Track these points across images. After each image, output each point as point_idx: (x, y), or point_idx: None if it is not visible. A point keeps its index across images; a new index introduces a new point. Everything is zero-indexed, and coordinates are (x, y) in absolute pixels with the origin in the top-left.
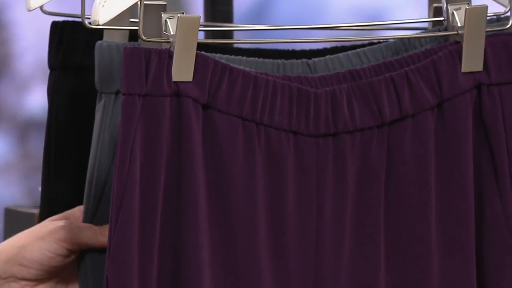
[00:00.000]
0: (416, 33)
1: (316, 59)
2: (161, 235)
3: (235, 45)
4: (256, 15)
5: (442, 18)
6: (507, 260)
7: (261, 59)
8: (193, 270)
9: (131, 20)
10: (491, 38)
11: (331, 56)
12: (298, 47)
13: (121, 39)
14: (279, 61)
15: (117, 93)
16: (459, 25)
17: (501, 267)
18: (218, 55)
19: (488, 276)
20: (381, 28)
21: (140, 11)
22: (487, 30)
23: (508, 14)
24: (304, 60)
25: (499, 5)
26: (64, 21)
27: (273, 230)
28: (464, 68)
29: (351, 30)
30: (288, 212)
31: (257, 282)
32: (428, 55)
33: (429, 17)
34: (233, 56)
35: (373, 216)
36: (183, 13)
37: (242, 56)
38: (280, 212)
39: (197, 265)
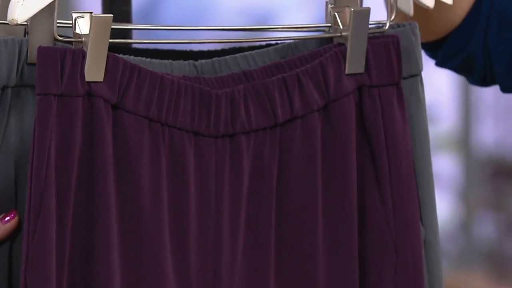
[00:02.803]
0: (304, 35)
1: (203, 61)
2: (72, 236)
3: (133, 46)
4: (146, 15)
5: (328, 25)
6: (386, 260)
7: (148, 59)
8: (103, 270)
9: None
10: (372, 40)
11: (219, 58)
12: (196, 47)
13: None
14: (166, 61)
15: (3, 88)
16: (341, 27)
17: (381, 267)
18: (120, 55)
19: (369, 276)
20: (275, 30)
21: (55, 10)
22: (369, 32)
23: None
24: (191, 61)
25: (382, 12)
26: None
27: (176, 230)
28: (348, 70)
29: (245, 32)
30: (189, 212)
31: (161, 283)
32: (315, 57)
33: (326, 19)
34: (120, 55)
35: (264, 217)
36: (91, 13)
37: (139, 56)
38: (183, 213)
39: (108, 266)
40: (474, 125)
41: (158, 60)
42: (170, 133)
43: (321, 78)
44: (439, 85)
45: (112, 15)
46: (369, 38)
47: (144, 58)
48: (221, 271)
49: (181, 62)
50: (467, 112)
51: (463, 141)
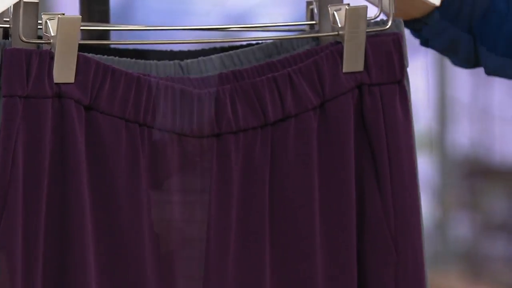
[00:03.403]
0: (295, 35)
1: (188, 60)
2: (46, 238)
3: (113, 46)
4: (122, 14)
5: (312, 22)
6: (386, 258)
7: (133, 60)
8: (79, 271)
9: (5, 19)
10: (371, 38)
11: (204, 58)
12: (176, 47)
13: None
14: (151, 62)
15: None
16: (339, 25)
17: (380, 265)
18: (98, 56)
19: (369, 273)
20: (258, 30)
21: (20, 11)
22: (367, 30)
23: (380, 18)
24: (176, 61)
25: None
26: None
27: (158, 231)
28: (346, 68)
29: (227, 32)
30: (172, 213)
31: (140, 283)
32: (310, 56)
33: (306, 18)
34: (105, 56)
35: (257, 216)
36: (63, 14)
37: (118, 56)
38: (165, 213)
39: (84, 268)
40: (450, 126)
41: (143, 61)
42: (149, 134)
43: (315, 76)
44: (414, 85)
45: (80, 16)
46: (369, 36)
47: (128, 59)
48: (209, 272)
49: (166, 62)
50: (443, 112)
51: (439, 141)
